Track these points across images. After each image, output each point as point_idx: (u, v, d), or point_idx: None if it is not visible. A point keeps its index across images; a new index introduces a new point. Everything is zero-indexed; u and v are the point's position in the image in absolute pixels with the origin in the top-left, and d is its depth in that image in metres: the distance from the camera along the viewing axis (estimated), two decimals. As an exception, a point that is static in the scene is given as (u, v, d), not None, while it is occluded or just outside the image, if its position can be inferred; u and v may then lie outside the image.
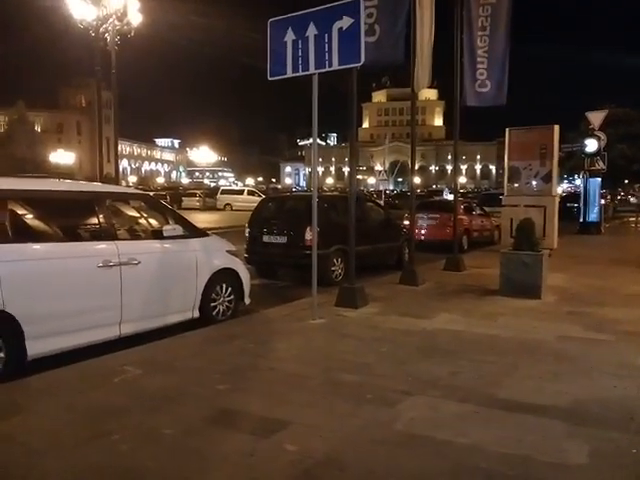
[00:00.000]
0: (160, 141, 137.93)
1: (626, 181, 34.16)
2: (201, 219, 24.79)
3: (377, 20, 8.24)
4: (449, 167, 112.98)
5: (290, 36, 6.70)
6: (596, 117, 21.82)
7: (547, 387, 4.56)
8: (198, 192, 45.71)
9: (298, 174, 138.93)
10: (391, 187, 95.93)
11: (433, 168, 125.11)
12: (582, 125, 25.07)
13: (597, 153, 21.07)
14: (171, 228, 6.29)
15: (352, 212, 7.81)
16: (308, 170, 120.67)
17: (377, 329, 6.49)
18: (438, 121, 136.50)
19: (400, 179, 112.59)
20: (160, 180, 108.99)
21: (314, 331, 6.44)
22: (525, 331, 6.42)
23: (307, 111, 6.69)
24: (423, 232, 15.47)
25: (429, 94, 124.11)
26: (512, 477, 3.14)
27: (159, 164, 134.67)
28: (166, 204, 7.66)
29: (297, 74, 6.69)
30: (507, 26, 11.44)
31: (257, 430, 3.70)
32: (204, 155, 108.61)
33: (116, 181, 15.29)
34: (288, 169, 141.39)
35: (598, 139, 21.04)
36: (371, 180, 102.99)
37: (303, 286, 8.34)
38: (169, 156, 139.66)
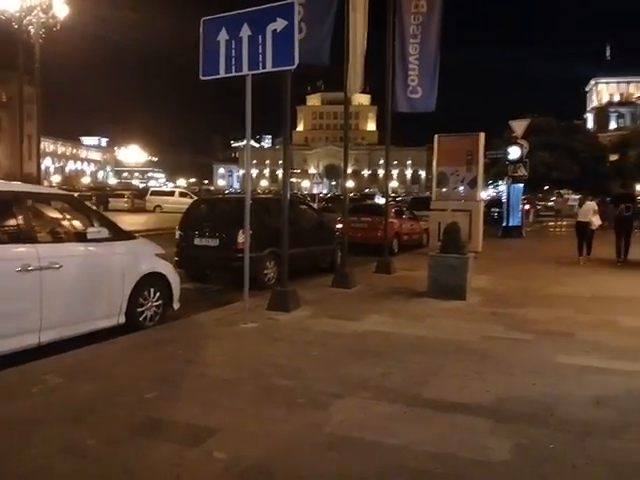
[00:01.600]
0: (86, 139, 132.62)
1: (546, 187, 35.96)
2: (129, 221, 24.01)
3: (304, 19, 8.27)
4: (381, 171, 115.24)
5: (223, 36, 6.63)
6: (519, 126, 22.94)
7: (472, 386, 4.72)
8: (126, 193, 44.26)
9: (232, 176, 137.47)
10: (325, 190, 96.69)
11: (366, 172, 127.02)
12: (506, 133, 26.27)
13: (519, 160, 22.14)
14: (96, 231, 6.05)
15: (285, 215, 7.81)
16: (242, 172, 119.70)
17: (309, 332, 6.51)
18: (371, 126, 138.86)
19: (333, 182, 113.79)
20: (86, 180, 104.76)
21: (245, 335, 6.37)
22: (451, 332, 6.63)
23: (241, 112, 6.63)
24: (355, 235, 15.67)
25: (362, 99, 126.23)
26: (439, 475, 3.23)
27: (85, 163, 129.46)
28: (91, 205, 7.38)
29: (230, 75, 6.62)
30: (437, 35, 11.83)
31: (186, 439, 3.62)
32: (133, 155, 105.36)
33: (38, 180, 14.57)
34: (221, 170, 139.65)
35: (521, 147, 22.13)
36: (305, 183, 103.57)
37: (235, 290, 8.25)
38: (96, 155, 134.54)
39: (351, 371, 5.06)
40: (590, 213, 14.38)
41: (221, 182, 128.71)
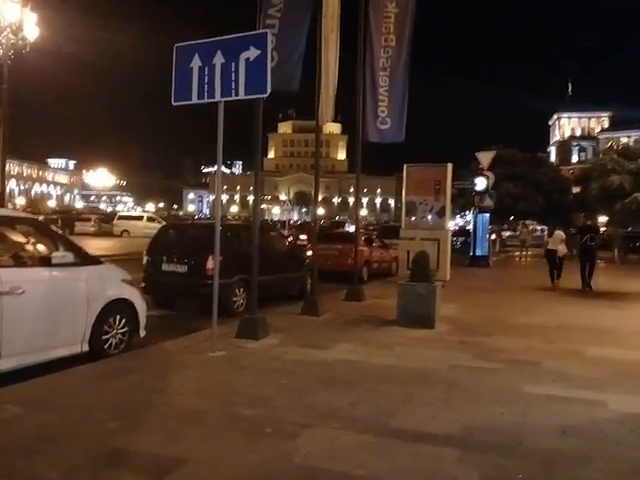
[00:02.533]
0: (53, 161, 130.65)
1: (512, 217, 36.75)
2: (95, 246, 23.60)
3: (276, 47, 8.42)
4: (351, 199, 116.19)
5: (196, 62, 6.67)
6: (485, 157, 23.54)
7: (440, 415, 4.73)
8: (93, 217, 43.60)
9: (202, 201, 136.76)
10: (295, 217, 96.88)
11: (336, 200, 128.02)
12: (473, 164, 26.85)
13: (486, 191, 22.65)
14: (60, 255, 5.92)
15: (255, 241, 7.79)
16: (212, 197, 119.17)
17: (278, 360, 6.45)
18: (341, 154, 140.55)
19: (304, 209, 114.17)
20: (51, 203, 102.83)
21: (213, 364, 6.28)
22: (420, 360, 6.66)
23: (212, 137, 6.67)
24: (325, 263, 15.69)
25: (333, 128, 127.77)
26: (407, 506, 3.21)
27: (51, 186, 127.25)
28: (56, 229, 7.23)
29: (202, 101, 6.66)
30: (406, 69, 12.14)
31: (150, 470, 3.52)
32: (101, 178, 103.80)
33: (1, 203, 14.23)
34: (191, 196, 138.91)
35: (487, 178, 22.67)
36: (275, 210, 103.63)
37: (203, 317, 8.14)
38: (62, 178, 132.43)
39: (320, 400, 5.02)
40: (558, 242, 15.41)
41: (191, 207, 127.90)
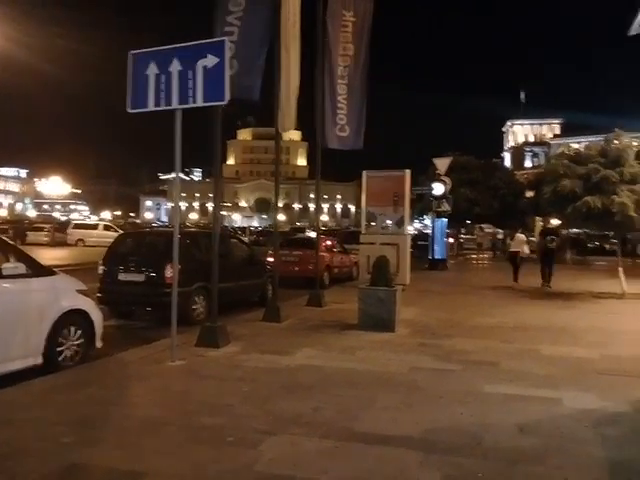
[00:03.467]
0: (4, 170, 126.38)
1: (469, 222, 37.44)
2: (49, 256, 22.90)
3: (235, 55, 8.37)
4: (312, 205, 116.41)
5: (153, 70, 6.58)
6: (442, 163, 23.91)
7: (401, 418, 4.77)
8: (46, 226, 42.21)
9: (160, 209, 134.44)
10: (255, 224, 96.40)
11: (297, 206, 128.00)
12: (430, 170, 27.23)
13: (443, 196, 23.02)
14: (12, 266, 5.73)
15: (215, 249, 7.71)
16: (170, 205, 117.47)
17: (239, 368, 6.38)
18: (302, 161, 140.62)
19: (264, 216, 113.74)
20: (2, 212, 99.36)
21: (173, 374, 6.16)
22: (381, 364, 6.70)
23: (170, 144, 6.56)
24: (287, 269, 15.65)
25: (293, 135, 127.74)
26: (370, 510, 3.21)
27: (2, 195, 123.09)
28: (7, 239, 6.98)
29: (159, 108, 6.57)
30: (364, 78, 12.28)
31: (107, 485, 3.42)
32: (55, 186, 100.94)
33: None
34: (149, 203, 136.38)
35: (444, 183, 23.03)
36: (236, 216, 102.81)
37: (162, 326, 8.00)
38: (14, 186, 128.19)
39: (282, 407, 4.99)
40: (521, 244, 16.85)
41: (149, 215, 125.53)
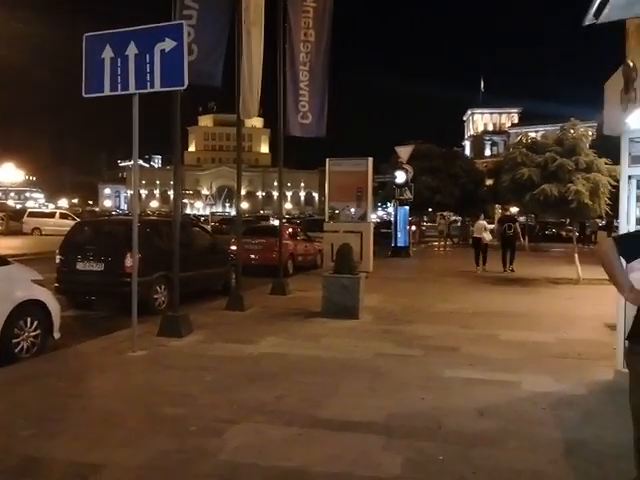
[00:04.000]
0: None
1: (430, 209, 37.90)
2: (3, 245, 22.15)
3: (195, 40, 8.20)
4: (275, 193, 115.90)
5: (108, 53, 6.40)
6: (404, 151, 24.11)
7: (365, 404, 4.82)
8: (0, 214, 40.92)
9: (119, 196, 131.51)
10: (219, 212, 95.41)
11: (260, 194, 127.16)
12: (392, 158, 27.41)
13: (405, 184, 23.23)
14: (-37, 255, 5.52)
15: (176, 237, 7.60)
16: (130, 192, 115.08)
17: (202, 358, 6.33)
18: (264, 148, 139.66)
19: (228, 204, 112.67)
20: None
21: (134, 364, 6.07)
22: (345, 351, 6.75)
23: (128, 130, 6.42)
24: (250, 257, 15.57)
25: (255, 122, 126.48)
26: (334, 495, 3.24)
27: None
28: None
29: (115, 93, 6.41)
30: (326, 64, 12.22)
31: (66, 478, 3.35)
32: (8, 174, 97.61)
33: None
34: (107, 191, 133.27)
35: (406, 171, 23.24)
36: (198, 204, 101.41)
37: (123, 316, 7.84)
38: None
39: (246, 395, 4.97)
40: (482, 230, 17.56)
41: (107, 203, 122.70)
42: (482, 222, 18.17)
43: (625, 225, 5.51)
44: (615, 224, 20.03)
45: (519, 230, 18.13)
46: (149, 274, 9.16)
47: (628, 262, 2.90)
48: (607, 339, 7.04)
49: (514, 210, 20.78)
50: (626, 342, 3.06)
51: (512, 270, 16.76)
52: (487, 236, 17.53)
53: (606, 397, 5.08)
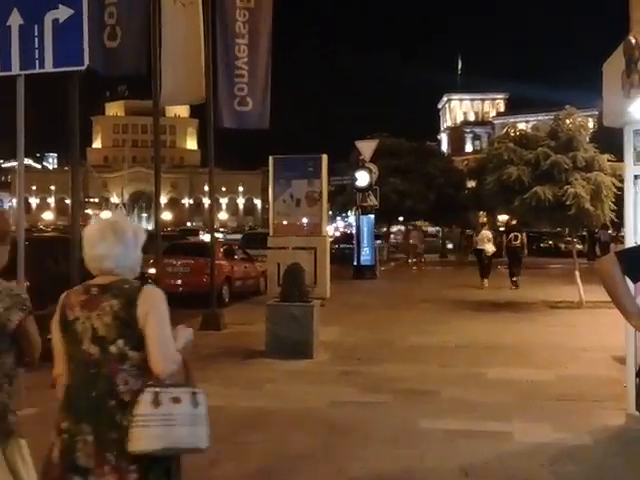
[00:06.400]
0: None
1: (401, 218, 38.22)
2: None
3: (119, 22, 8.11)
4: (206, 200, 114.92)
5: (-18, 24, 6.24)
6: (367, 147, 24.17)
7: (320, 468, 4.79)
8: None
9: (2, 206, 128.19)
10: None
11: (187, 201, 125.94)
12: (352, 156, 27.66)
13: (369, 187, 23.30)
14: None
15: (76, 257, 7.41)
16: (15, 201, 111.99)
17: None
18: (192, 144, 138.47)
19: (144, 214, 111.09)
20: None
21: (21, 425, 5.84)
22: (295, 399, 6.71)
23: (12, 122, 6.27)
24: (174, 282, 15.33)
25: (179, 110, 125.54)
26: None
27: None
28: None
29: (-6, 74, 6.25)
30: (268, 36, 12.16)
31: None
32: None
33: None
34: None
35: (369, 172, 23.26)
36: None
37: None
38: None
39: (169, 462, 4.86)
40: (485, 241, 19.59)
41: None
42: (486, 232, 20.37)
43: (631, 236, 5.62)
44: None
45: (525, 241, 19.68)
46: (42, 307, 8.89)
47: (634, 282, 2.91)
48: (616, 375, 7.20)
49: (502, 218, 21.61)
50: (637, 379, 3.10)
51: (515, 286, 18.42)
52: (490, 247, 19.41)
53: (616, 447, 5.21)
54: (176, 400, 2.44)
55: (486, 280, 19.19)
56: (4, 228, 2.92)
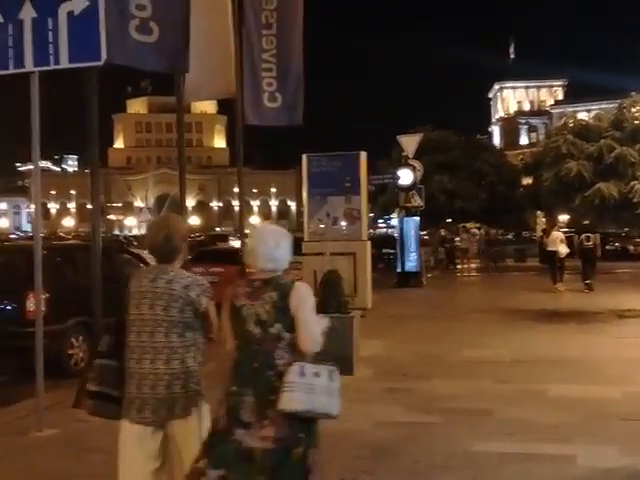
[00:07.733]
0: None
1: (449, 220, 37.89)
2: None
3: (154, 15, 8.15)
4: (236, 203, 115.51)
5: (-6, 17, 6.40)
6: (410, 142, 23.99)
7: (364, 494, 4.77)
8: None
9: (19, 213, 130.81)
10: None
11: (215, 204, 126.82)
12: (394, 152, 27.56)
13: (413, 186, 23.12)
14: None
15: (97, 268, 7.53)
16: (33, 207, 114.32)
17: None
18: (220, 142, 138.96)
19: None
20: None
21: (40, 448, 6.00)
22: (335, 419, 6.68)
23: (29, 123, 6.41)
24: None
25: (206, 107, 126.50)
26: None
27: None
28: None
29: (6, 72, 6.40)
30: (299, 24, 12.16)
31: None
32: None
33: None
34: (4, 206, 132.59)
35: (413, 169, 23.04)
36: (130, 221, 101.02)
37: (26, 381, 7.74)
38: None
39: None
40: (557, 242, 20.10)
41: (3, 222, 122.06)
42: (557, 233, 21.00)
43: None
44: None
45: (599, 241, 20.37)
46: (61, 321, 9.07)
47: None
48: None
49: (563, 218, 21.46)
50: None
51: (589, 288, 19.09)
52: (563, 249, 19.86)
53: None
54: (317, 374, 3.37)
55: (560, 284, 19.80)
56: None
